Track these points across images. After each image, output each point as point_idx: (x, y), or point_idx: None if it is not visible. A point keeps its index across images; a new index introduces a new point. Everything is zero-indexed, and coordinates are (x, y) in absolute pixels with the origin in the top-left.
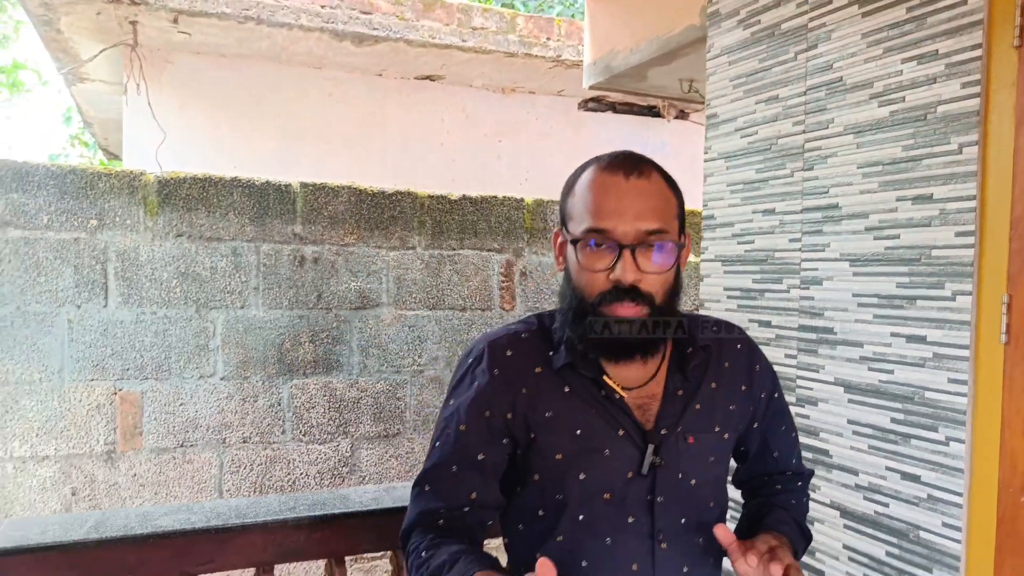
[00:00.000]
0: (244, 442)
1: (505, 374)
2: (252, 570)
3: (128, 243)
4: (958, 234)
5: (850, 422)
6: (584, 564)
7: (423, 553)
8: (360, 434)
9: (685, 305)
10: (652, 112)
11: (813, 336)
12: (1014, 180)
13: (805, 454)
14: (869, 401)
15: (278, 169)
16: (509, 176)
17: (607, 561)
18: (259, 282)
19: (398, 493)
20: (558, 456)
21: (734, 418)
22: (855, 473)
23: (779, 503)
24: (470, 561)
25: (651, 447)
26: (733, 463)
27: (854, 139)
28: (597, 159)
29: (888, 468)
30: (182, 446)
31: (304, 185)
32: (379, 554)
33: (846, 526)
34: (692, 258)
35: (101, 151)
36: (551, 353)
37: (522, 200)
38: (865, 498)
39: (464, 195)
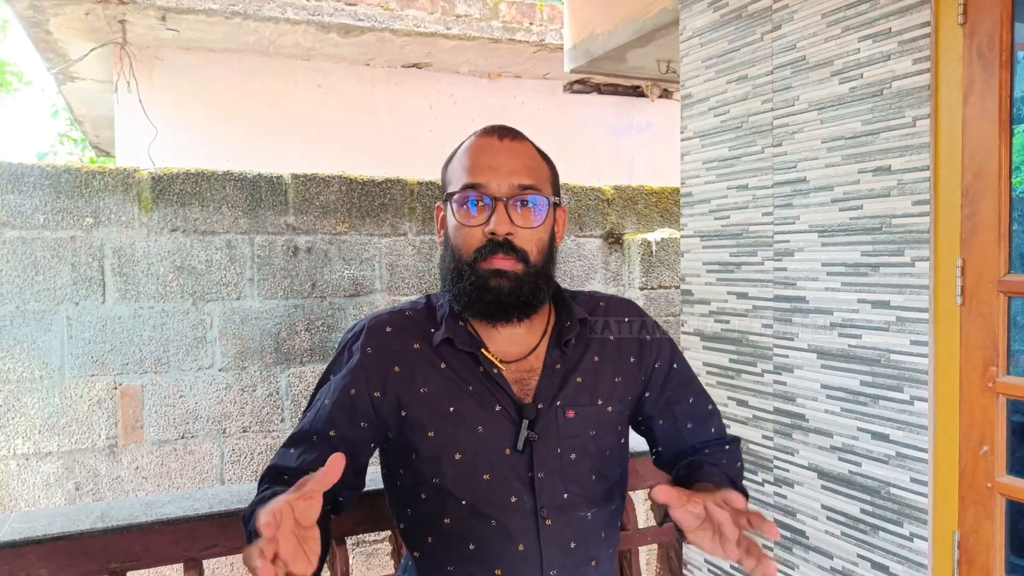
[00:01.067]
0: (244, 431)
1: (379, 352)
2: None
3: (124, 239)
4: (915, 203)
5: (823, 386)
6: (472, 547)
7: (256, 499)
8: None
9: (667, 281)
10: (636, 92)
11: (787, 305)
12: (963, 150)
13: (783, 419)
14: (840, 366)
15: (270, 161)
16: None
17: (493, 542)
18: (254, 273)
19: None
20: (430, 434)
21: (619, 390)
22: (830, 435)
23: (707, 461)
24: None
25: (525, 422)
26: (640, 440)
27: (818, 115)
28: (474, 132)
29: (859, 429)
30: (183, 437)
31: (295, 176)
32: (380, 536)
33: (823, 486)
34: (675, 234)
35: (92, 148)
36: (433, 331)
37: None
38: (840, 459)
39: None
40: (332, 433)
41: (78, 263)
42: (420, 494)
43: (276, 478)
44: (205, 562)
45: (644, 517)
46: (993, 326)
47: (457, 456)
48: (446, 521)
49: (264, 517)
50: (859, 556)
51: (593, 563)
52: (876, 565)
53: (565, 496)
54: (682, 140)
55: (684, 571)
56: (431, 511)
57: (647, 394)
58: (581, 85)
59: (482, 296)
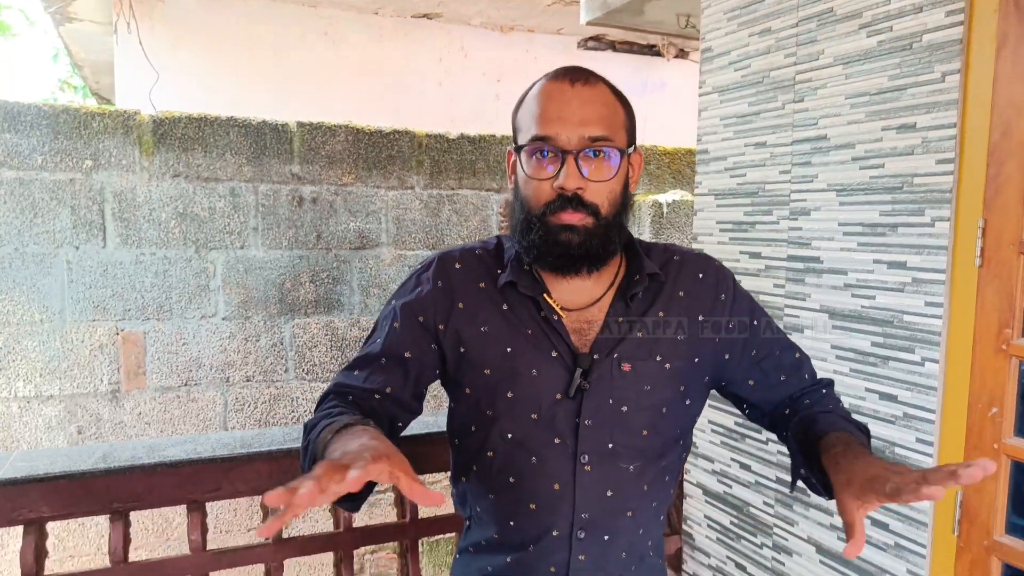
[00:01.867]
0: (247, 380)
1: (447, 286)
2: (259, 497)
3: (124, 184)
4: (938, 161)
5: (833, 347)
6: (511, 480)
7: (321, 412)
8: None
9: (681, 242)
10: (652, 51)
11: (801, 266)
12: (992, 107)
13: None
14: (852, 326)
15: (274, 109)
16: (508, 116)
17: (532, 478)
18: (258, 222)
19: None
20: (486, 371)
21: (682, 348)
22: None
23: (819, 411)
24: (345, 418)
25: (579, 371)
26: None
27: (843, 70)
28: (545, 75)
29: (867, 389)
30: (186, 385)
31: (301, 124)
32: (383, 487)
33: None
34: (686, 196)
35: (92, 96)
36: (499, 272)
37: None
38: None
39: (462, 134)
40: (407, 355)
41: (78, 206)
42: (471, 426)
43: (340, 396)
44: (208, 505)
45: None
46: (1012, 288)
47: (509, 394)
48: (489, 454)
49: (275, 495)
50: None
51: (629, 513)
52: (876, 523)
53: (610, 446)
54: (700, 95)
55: (684, 526)
56: (479, 442)
57: (727, 357)
58: (596, 42)
59: (551, 250)
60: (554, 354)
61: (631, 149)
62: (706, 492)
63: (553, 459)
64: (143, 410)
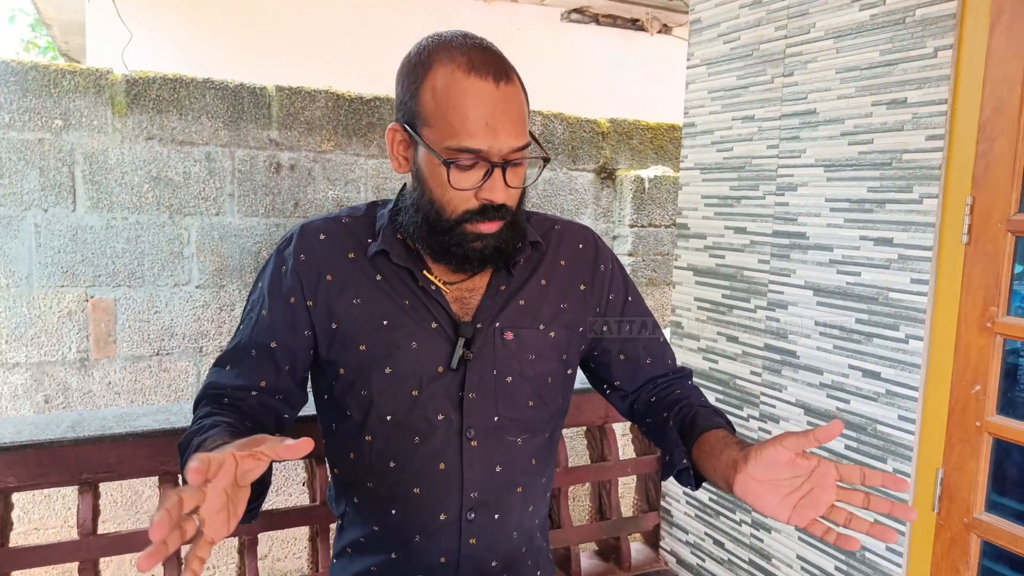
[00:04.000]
0: (222, 351)
1: (311, 259)
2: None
3: (96, 145)
4: (928, 138)
5: (817, 324)
6: (392, 465)
7: (194, 427)
8: None
9: (658, 220)
10: (636, 26)
11: (786, 241)
12: (984, 83)
13: (773, 356)
14: (836, 303)
15: (253, 73)
16: None
17: (415, 460)
18: (234, 188)
19: None
20: (361, 347)
21: (564, 316)
22: (820, 372)
23: (695, 404)
24: (220, 431)
25: (461, 340)
26: (582, 378)
27: (834, 43)
28: (446, 47)
29: (851, 366)
30: (158, 354)
31: (280, 88)
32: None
33: (809, 423)
34: (668, 172)
35: (62, 56)
36: (369, 240)
37: None
38: (828, 396)
39: None
40: (273, 344)
41: (47, 167)
42: (346, 410)
43: (214, 400)
44: (181, 476)
45: (623, 449)
46: (998, 266)
47: (387, 370)
48: (367, 438)
49: (195, 463)
50: None
51: (519, 489)
52: None
53: (495, 419)
54: (688, 68)
55: (662, 502)
56: (355, 426)
57: (605, 328)
58: (579, 14)
59: (463, 256)
60: (434, 325)
61: (544, 154)
62: None
63: (437, 437)
64: (113, 379)
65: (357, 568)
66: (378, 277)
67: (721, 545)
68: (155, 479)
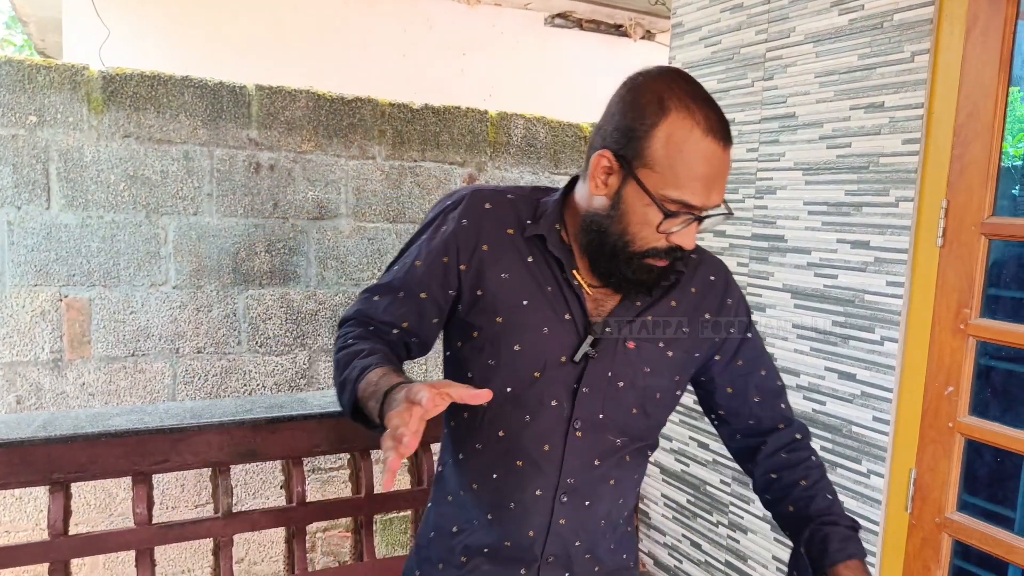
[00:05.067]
0: (198, 352)
1: (474, 226)
2: (208, 471)
3: (71, 142)
4: (905, 142)
5: (795, 326)
6: (500, 434)
7: (350, 339)
8: (318, 346)
9: None
10: (619, 31)
11: (765, 244)
12: (960, 87)
13: None
14: (814, 305)
15: (232, 72)
16: (473, 91)
17: (522, 436)
18: (212, 188)
19: None
20: (498, 319)
21: (684, 340)
22: (797, 375)
23: (815, 512)
24: (383, 361)
25: (589, 338)
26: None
27: (813, 48)
28: (683, 101)
29: (827, 368)
30: (133, 355)
31: (260, 88)
32: (336, 463)
33: None
34: None
35: (39, 54)
36: (529, 221)
37: (486, 112)
38: (804, 398)
39: (427, 104)
40: (423, 295)
41: (20, 164)
42: (468, 371)
43: (363, 324)
44: (155, 479)
45: None
46: (971, 268)
47: (516, 347)
48: (489, 405)
49: (412, 424)
50: None
51: (612, 482)
52: None
53: (600, 417)
54: None
55: (640, 504)
56: (474, 388)
57: (717, 357)
58: (563, 19)
59: (628, 280)
60: (567, 316)
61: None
62: (663, 471)
63: (547, 420)
64: (87, 380)
65: (456, 516)
66: (529, 259)
67: (698, 547)
68: (128, 479)
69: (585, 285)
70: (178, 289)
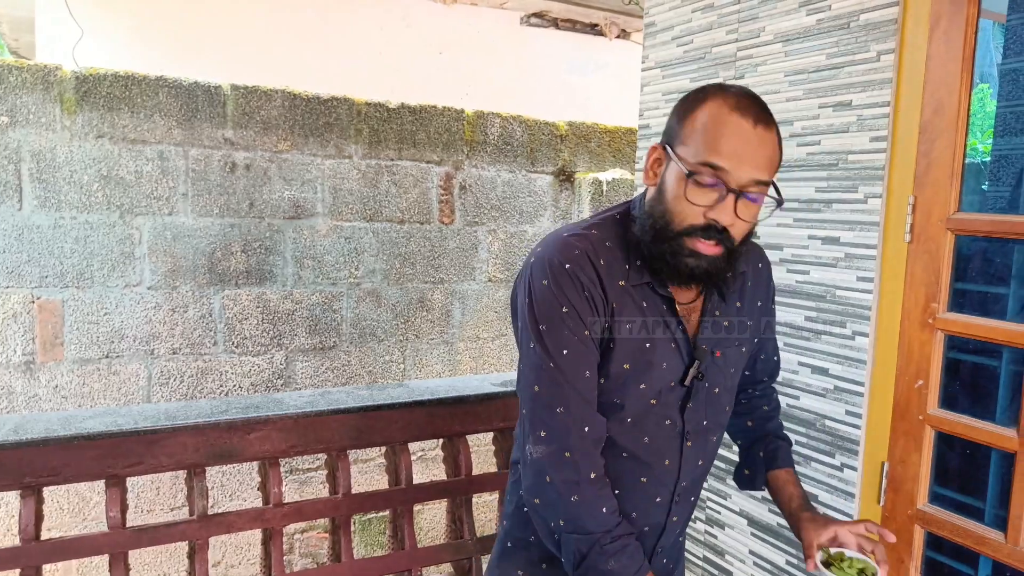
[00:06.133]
0: (174, 353)
1: (594, 283)
2: (184, 473)
3: (44, 143)
4: (872, 139)
5: None
6: (624, 455)
7: (607, 545)
8: (295, 346)
9: None
10: (594, 31)
11: None
12: (925, 86)
13: None
14: (787, 301)
15: (208, 73)
16: (450, 90)
17: (644, 455)
18: (188, 188)
19: (333, 397)
20: (626, 366)
21: (750, 332)
22: None
23: (770, 430)
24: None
25: (696, 363)
26: None
27: (783, 47)
28: (722, 90)
29: (800, 363)
30: (107, 357)
31: (235, 87)
32: (314, 464)
33: None
34: (626, 175)
35: (11, 54)
36: (627, 267)
37: (462, 111)
38: (779, 393)
39: (403, 103)
40: (587, 373)
41: None
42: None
43: (594, 483)
44: (129, 481)
45: None
46: (938, 263)
47: (642, 386)
48: (610, 433)
49: None
50: None
51: (707, 475)
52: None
53: (704, 423)
54: (643, 70)
55: None
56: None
57: (755, 339)
58: (539, 18)
59: (675, 268)
60: (673, 346)
61: (778, 195)
62: None
63: (664, 438)
64: (60, 383)
65: None
66: (644, 304)
67: None
68: (101, 483)
69: (678, 304)
70: (153, 290)
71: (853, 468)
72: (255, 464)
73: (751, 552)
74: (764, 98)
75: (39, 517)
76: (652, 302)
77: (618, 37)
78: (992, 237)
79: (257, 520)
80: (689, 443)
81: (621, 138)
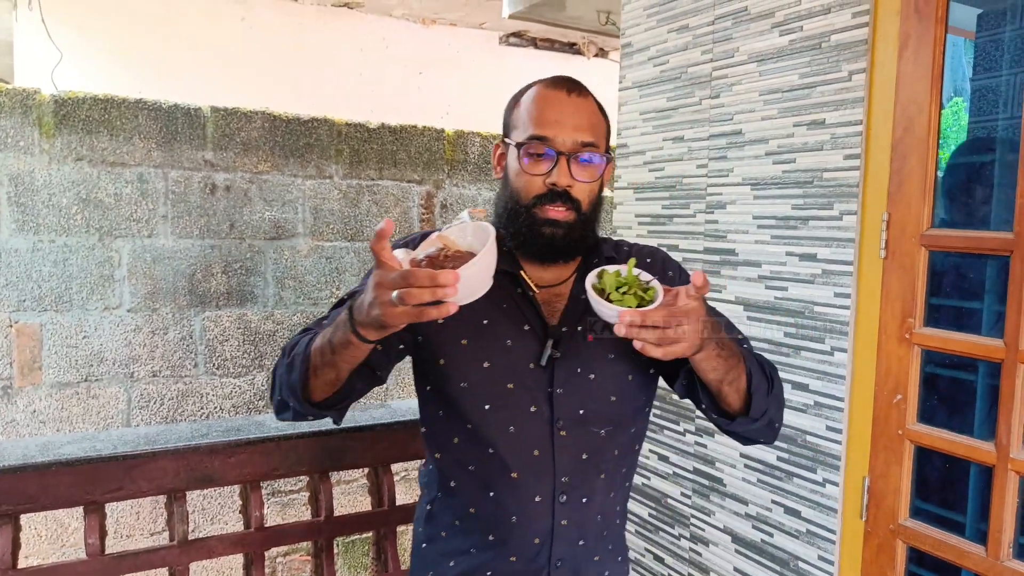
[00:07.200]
0: (154, 376)
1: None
2: (164, 498)
3: (22, 166)
4: (846, 157)
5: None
6: (491, 451)
7: (298, 337)
8: None
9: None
10: (573, 50)
11: (717, 258)
12: (896, 104)
13: None
14: (765, 317)
15: (188, 95)
16: (430, 109)
17: (511, 446)
18: (168, 210)
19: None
20: (463, 342)
21: None
22: None
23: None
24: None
25: (550, 341)
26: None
27: (757, 67)
28: (541, 80)
29: (781, 380)
30: (86, 380)
31: (215, 109)
32: (297, 486)
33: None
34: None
35: None
36: None
37: (443, 131)
38: None
39: (383, 123)
40: None
41: None
42: (446, 398)
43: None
44: (108, 507)
45: None
46: (913, 279)
47: (485, 364)
48: (469, 425)
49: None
50: (773, 502)
51: (602, 476)
52: (789, 510)
53: (581, 412)
54: (620, 90)
55: None
56: (456, 413)
57: None
58: (517, 39)
59: (536, 240)
60: (526, 327)
61: (610, 156)
62: None
63: (530, 427)
64: (38, 407)
65: (452, 548)
66: None
67: (661, 560)
68: (80, 509)
69: (536, 289)
70: (132, 312)
71: (835, 483)
72: (236, 487)
73: (736, 569)
74: (740, 116)
75: (16, 545)
76: (496, 279)
77: (596, 56)
78: (966, 253)
79: (239, 544)
80: (563, 432)
81: None
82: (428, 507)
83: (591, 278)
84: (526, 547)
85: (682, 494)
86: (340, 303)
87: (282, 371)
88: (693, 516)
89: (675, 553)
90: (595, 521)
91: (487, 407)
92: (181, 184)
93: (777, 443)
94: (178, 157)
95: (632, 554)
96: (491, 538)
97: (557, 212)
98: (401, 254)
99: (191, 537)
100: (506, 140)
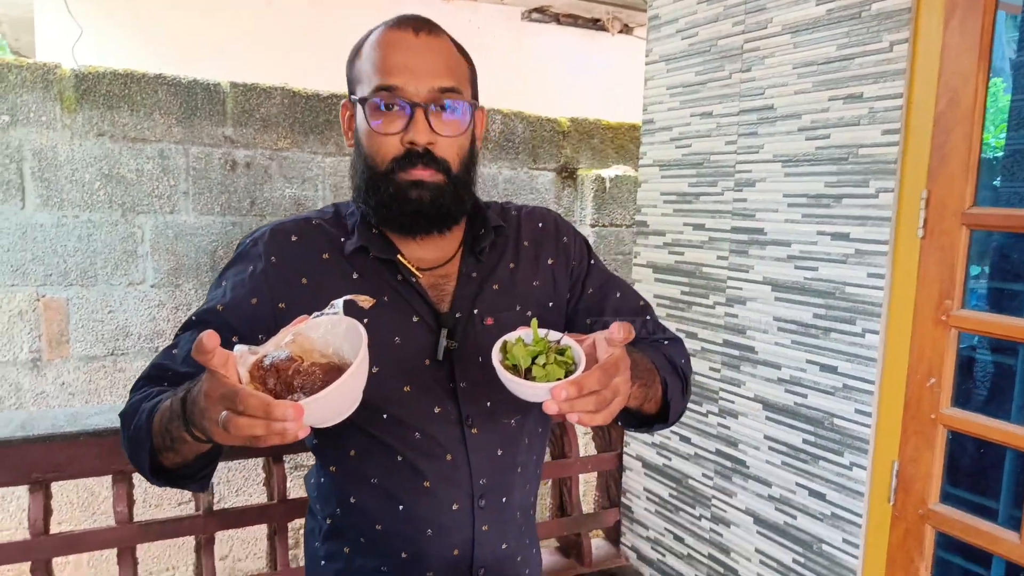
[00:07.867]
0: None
1: (285, 263)
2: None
3: (45, 141)
4: (884, 132)
5: (776, 319)
6: (399, 459)
7: (136, 397)
8: None
9: (619, 220)
10: (597, 26)
11: (745, 237)
12: (939, 77)
13: (731, 352)
14: (794, 298)
15: (207, 71)
16: None
17: (419, 455)
18: (188, 186)
19: None
20: None
21: (537, 294)
22: (778, 367)
23: (646, 344)
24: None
25: (444, 331)
26: None
27: (791, 39)
28: (384, 22)
29: (808, 361)
30: (112, 354)
31: (235, 85)
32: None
33: (768, 417)
34: (629, 171)
35: (13, 54)
36: (343, 240)
37: None
38: (786, 391)
39: None
40: (234, 338)
41: None
42: None
43: (157, 381)
44: (136, 478)
45: (584, 447)
46: (953, 259)
47: (374, 370)
48: (366, 437)
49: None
50: (797, 484)
51: (519, 469)
52: (813, 493)
53: (488, 404)
54: (646, 64)
55: (623, 499)
56: (352, 424)
57: (568, 296)
58: (540, 14)
59: (401, 209)
60: (415, 318)
61: (476, 103)
62: (645, 465)
63: (438, 429)
64: (66, 380)
65: (358, 567)
66: (355, 275)
67: (681, 540)
68: (108, 478)
69: (418, 274)
70: (156, 288)
71: (862, 467)
72: (260, 460)
73: (757, 550)
74: (772, 91)
75: (47, 511)
76: (368, 270)
77: (620, 32)
78: (1010, 232)
79: (262, 515)
80: (475, 430)
81: (624, 134)
82: (327, 522)
83: (495, 354)
84: (444, 561)
85: (704, 475)
86: (188, 326)
87: (126, 444)
88: (715, 497)
89: (695, 533)
90: (515, 519)
91: (384, 416)
92: (202, 160)
93: (803, 425)
94: (198, 133)
95: (652, 533)
96: (404, 555)
97: (423, 173)
98: (243, 350)
99: (216, 507)
100: (352, 98)
